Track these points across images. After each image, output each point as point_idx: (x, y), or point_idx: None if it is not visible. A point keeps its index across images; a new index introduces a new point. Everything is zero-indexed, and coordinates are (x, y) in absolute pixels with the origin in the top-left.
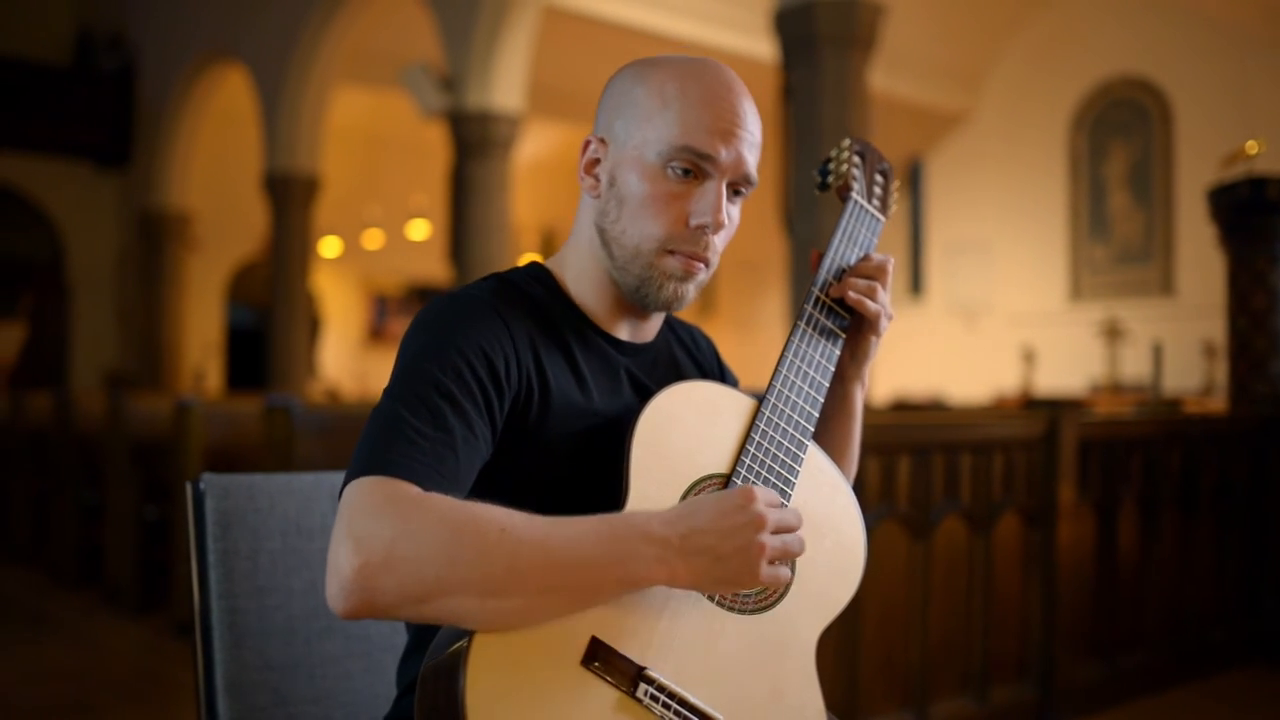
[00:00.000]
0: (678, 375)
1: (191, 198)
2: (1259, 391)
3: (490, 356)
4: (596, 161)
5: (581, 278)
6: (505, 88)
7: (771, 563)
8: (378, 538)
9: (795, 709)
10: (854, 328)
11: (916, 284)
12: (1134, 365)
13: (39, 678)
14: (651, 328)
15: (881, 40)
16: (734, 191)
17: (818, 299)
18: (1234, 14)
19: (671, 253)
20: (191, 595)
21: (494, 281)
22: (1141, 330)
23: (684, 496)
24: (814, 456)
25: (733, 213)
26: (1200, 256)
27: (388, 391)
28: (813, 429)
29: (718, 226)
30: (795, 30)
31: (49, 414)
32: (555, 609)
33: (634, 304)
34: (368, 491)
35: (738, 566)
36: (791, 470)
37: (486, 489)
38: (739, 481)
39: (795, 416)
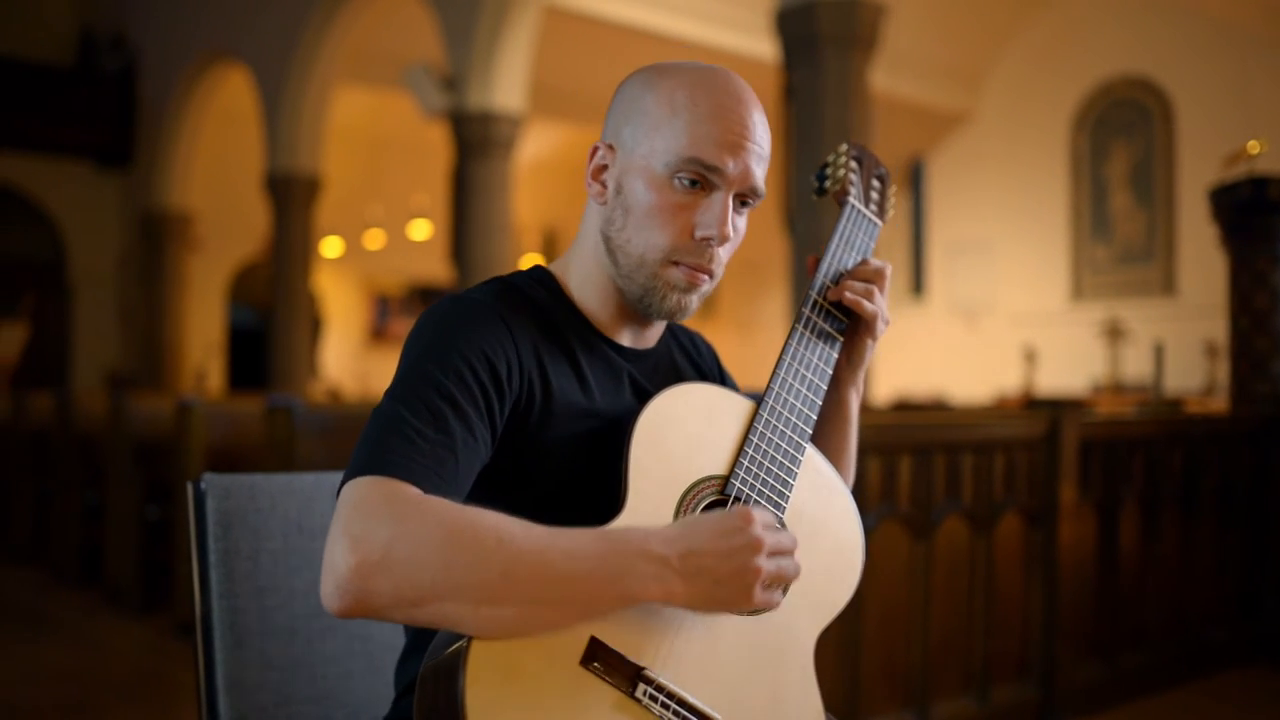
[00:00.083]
0: (679, 381)
1: (193, 198)
2: (1260, 391)
3: (492, 360)
4: (604, 168)
5: (585, 283)
6: (507, 88)
7: (766, 587)
8: (375, 537)
9: (794, 709)
10: (850, 331)
11: (918, 284)
12: (1135, 365)
13: (39, 678)
14: (654, 334)
15: (883, 40)
16: (741, 203)
17: (815, 302)
18: (1235, 13)
19: (676, 264)
20: (192, 595)
21: (497, 284)
22: (1143, 330)
23: (683, 497)
24: (812, 458)
25: (739, 224)
26: (1202, 256)
27: (389, 392)
28: (810, 431)
29: (723, 239)
30: (797, 30)
31: (50, 414)
32: (549, 620)
33: (637, 312)
34: (366, 491)
35: (734, 590)
36: (789, 472)
37: (487, 489)
38: (737, 483)
39: (793, 418)
